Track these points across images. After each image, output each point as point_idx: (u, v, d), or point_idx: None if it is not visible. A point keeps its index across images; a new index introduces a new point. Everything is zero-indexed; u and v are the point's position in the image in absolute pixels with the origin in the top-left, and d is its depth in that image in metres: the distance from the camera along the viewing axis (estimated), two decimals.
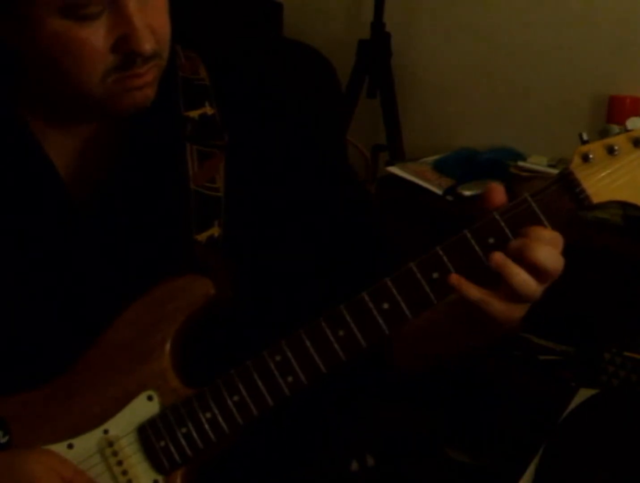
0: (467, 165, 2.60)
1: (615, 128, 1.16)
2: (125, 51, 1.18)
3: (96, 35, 1.17)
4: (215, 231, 1.28)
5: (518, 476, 1.92)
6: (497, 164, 2.54)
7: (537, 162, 2.41)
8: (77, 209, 1.28)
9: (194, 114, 1.31)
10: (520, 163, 2.48)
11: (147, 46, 1.17)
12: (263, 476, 1.38)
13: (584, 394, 2.03)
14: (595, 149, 1.15)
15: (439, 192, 2.52)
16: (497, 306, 1.13)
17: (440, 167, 2.63)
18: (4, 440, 1.25)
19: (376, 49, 2.81)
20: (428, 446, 2.52)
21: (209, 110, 1.31)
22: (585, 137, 1.16)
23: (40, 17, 1.16)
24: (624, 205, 1.15)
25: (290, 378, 1.20)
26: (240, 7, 2.68)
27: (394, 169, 2.60)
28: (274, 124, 1.33)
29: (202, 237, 1.28)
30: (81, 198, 1.29)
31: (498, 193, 1.15)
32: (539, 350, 2.42)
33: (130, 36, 1.17)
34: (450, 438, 2.52)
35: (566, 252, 2.08)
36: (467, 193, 2.42)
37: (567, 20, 2.59)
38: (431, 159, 2.69)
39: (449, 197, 2.49)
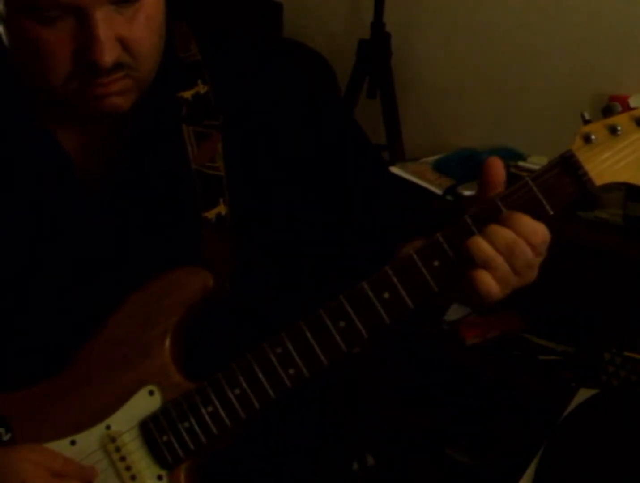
0: (467, 165, 2.60)
1: (618, 106, 1.13)
2: (85, 59, 1.16)
3: (58, 38, 1.15)
4: (222, 209, 1.28)
5: (518, 476, 1.92)
6: None
7: (537, 162, 2.41)
8: (88, 192, 1.28)
9: (187, 94, 1.29)
10: (520, 163, 2.49)
11: (106, 58, 1.15)
12: (264, 474, 1.38)
13: (584, 394, 2.03)
14: (598, 130, 1.12)
15: (439, 192, 2.52)
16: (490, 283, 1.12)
17: (440, 167, 2.63)
18: (6, 437, 1.24)
19: (376, 49, 2.81)
20: (428, 446, 2.52)
21: (201, 88, 1.30)
22: (587, 116, 1.13)
23: (11, 13, 1.16)
24: (627, 188, 1.13)
25: (291, 371, 1.19)
26: (240, 7, 2.67)
27: (394, 169, 2.59)
28: (271, 101, 1.31)
29: (210, 214, 1.27)
30: (92, 182, 1.28)
31: (497, 167, 1.14)
32: (539, 350, 2.42)
33: (90, 45, 1.14)
34: (450, 438, 2.52)
35: (567, 252, 2.07)
36: (467, 193, 2.42)
37: (567, 20, 2.59)
38: (431, 159, 2.69)
39: (449, 197, 2.48)
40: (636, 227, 2.25)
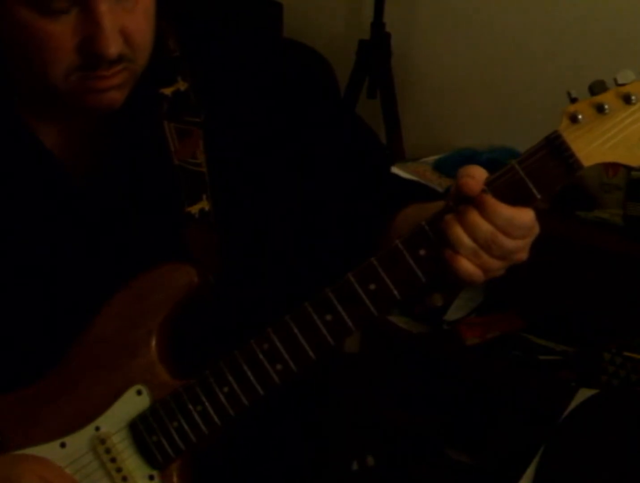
0: (467, 165, 2.59)
1: (605, 83, 1.09)
2: (89, 52, 1.15)
3: (61, 31, 1.15)
4: (205, 205, 1.27)
5: (518, 476, 1.92)
6: (497, 164, 2.52)
7: None
8: (75, 190, 1.28)
9: (168, 91, 1.29)
10: None
11: (112, 49, 1.15)
12: (261, 474, 1.38)
13: (584, 394, 2.03)
14: (584, 109, 1.09)
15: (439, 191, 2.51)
16: (469, 267, 1.11)
17: (440, 167, 2.62)
18: None
19: (376, 49, 2.81)
20: (428, 446, 2.52)
21: (181, 85, 1.29)
22: (573, 94, 1.10)
23: (10, 4, 1.15)
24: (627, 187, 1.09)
25: (279, 367, 1.18)
26: (240, 7, 2.67)
27: (394, 169, 2.57)
28: (254, 97, 1.30)
29: (194, 209, 1.27)
30: (76, 178, 1.28)
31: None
32: (539, 350, 2.42)
33: (95, 37, 1.14)
34: (450, 438, 2.52)
35: (567, 252, 2.07)
36: None
37: (567, 20, 2.59)
38: (431, 159, 2.68)
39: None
40: (636, 227, 2.25)
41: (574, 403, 2.01)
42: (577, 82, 2.75)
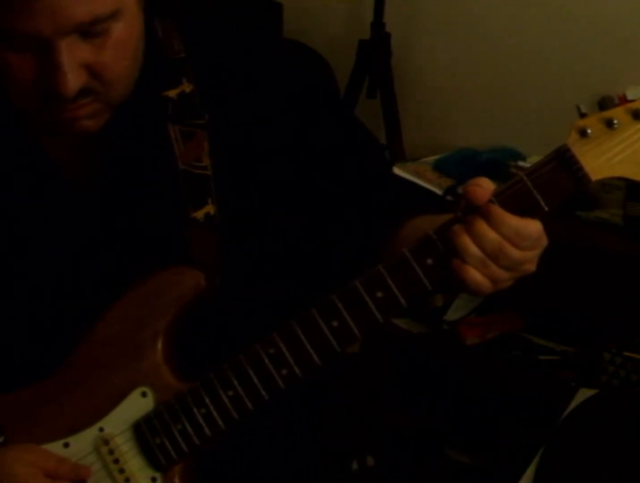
0: (467, 165, 2.60)
1: (615, 99, 1.11)
2: (48, 87, 1.13)
3: (24, 64, 1.13)
4: (210, 209, 1.27)
5: (518, 476, 1.92)
6: (497, 164, 2.54)
7: None
8: (74, 194, 1.28)
9: (173, 93, 1.28)
10: (520, 163, 2.49)
11: (70, 85, 1.12)
12: (262, 475, 1.38)
13: (584, 394, 2.03)
14: (593, 123, 1.10)
15: (439, 192, 2.51)
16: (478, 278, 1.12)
17: (440, 167, 2.63)
18: (0, 440, 1.24)
19: (376, 49, 2.81)
20: (428, 446, 2.52)
21: (186, 87, 1.28)
22: (583, 109, 1.11)
23: None
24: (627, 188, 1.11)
25: (284, 371, 1.19)
26: (240, 7, 2.67)
27: (394, 169, 2.59)
28: (259, 98, 1.30)
29: (199, 214, 1.27)
30: (79, 184, 1.28)
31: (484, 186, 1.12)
32: (539, 350, 2.42)
33: (52, 74, 1.12)
34: (450, 438, 2.52)
35: (567, 252, 2.06)
36: None
37: (568, 20, 2.59)
38: (431, 159, 2.69)
39: (449, 197, 2.48)
40: (636, 227, 2.25)
41: (574, 403, 2.01)
42: (577, 83, 2.77)
